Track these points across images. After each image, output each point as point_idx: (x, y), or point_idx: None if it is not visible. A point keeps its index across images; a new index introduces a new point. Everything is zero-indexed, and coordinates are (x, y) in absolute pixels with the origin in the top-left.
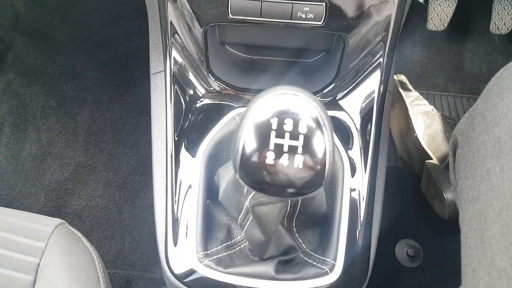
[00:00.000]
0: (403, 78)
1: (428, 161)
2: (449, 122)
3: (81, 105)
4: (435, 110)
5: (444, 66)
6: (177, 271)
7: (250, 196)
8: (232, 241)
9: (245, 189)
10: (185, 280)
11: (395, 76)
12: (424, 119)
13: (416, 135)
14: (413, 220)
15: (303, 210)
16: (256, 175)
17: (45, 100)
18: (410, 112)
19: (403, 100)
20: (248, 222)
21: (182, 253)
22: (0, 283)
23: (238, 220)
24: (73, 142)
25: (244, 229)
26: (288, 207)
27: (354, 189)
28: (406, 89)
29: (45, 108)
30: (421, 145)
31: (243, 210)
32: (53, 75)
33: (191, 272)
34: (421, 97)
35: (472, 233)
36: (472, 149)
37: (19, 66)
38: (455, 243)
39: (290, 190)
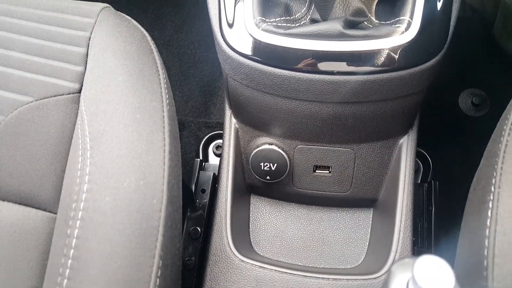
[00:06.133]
0: None
1: None
2: None
3: None
4: None
5: None
6: (233, 43)
7: None
8: (292, 17)
9: None
10: (239, 51)
11: None
12: None
13: None
14: (479, 69)
15: None
16: None
17: None
18: None
19: None
20: None
21: (238, 24)
22: (55, 54)
23: None
24: (116, 4)
25: None
26: None
27: None
28: None
29: None
30: None
31: None
32: None
33: (246, 40)
34: None
35: None
36: None
37: None
38: None
39: None
